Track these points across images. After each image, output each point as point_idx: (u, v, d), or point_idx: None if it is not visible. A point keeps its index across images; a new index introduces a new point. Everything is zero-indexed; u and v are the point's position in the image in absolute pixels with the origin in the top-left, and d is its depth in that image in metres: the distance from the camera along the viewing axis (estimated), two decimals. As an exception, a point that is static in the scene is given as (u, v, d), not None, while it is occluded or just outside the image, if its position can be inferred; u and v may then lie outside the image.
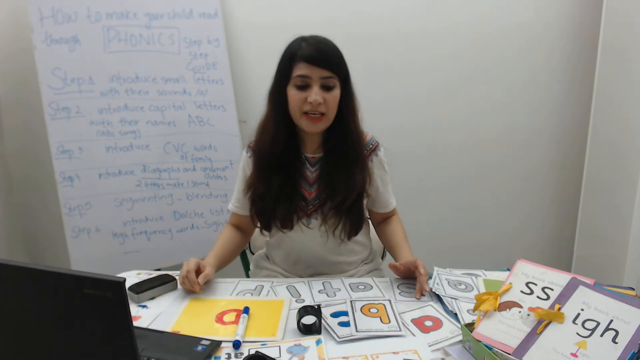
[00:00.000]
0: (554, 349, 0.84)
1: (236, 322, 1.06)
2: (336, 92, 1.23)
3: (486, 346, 0.90)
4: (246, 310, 1.09)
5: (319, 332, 1.02)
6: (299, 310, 1.05)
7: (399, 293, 1.21)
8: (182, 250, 2.11)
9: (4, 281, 0.75)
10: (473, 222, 2.51)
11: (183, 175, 2.10)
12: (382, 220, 1.47)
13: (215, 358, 0.95)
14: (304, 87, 1.21)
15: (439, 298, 1.17)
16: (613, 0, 2.00)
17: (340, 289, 1.23)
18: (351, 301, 1.14)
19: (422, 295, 1.18)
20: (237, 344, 0.97)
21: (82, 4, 1.90)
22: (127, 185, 2.02)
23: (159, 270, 1.41)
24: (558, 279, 0.96)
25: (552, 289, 0.95)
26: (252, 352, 0.94)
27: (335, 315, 1.09)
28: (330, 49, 1.23)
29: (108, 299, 0.69)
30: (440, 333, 1.02)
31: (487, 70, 2.32)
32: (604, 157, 2.10)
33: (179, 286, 1.24)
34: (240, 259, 1.62)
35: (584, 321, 0.86)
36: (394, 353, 0.95)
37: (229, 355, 0.95)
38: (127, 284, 0.76)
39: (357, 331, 1.02)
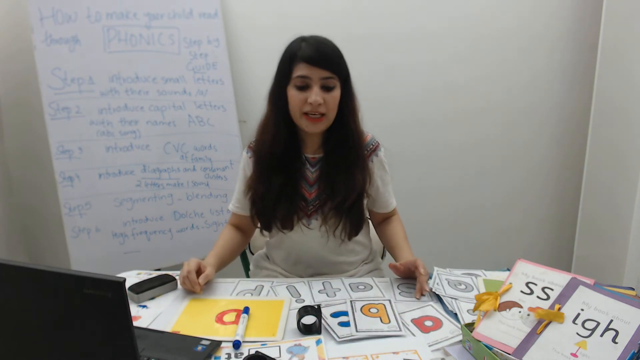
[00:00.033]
0: (554, 349, 0.84)
1: (236, 322, 1.06)
2: (336, 93, 1.23)
3: (486, 346, 0.90)
4: (246, 310, 1.09)
5: (319, 332, 1.02)
6: (299, 310, 1.05)
7: (399, 293, 1.21)
8: (182, 250, 2.11)
9: (4, 281, 0.75)
10: (473, 222, 2.51)
11: (183, 175, 2.10)
12: (383, 221, 1.47)
13: (215, 358, 0.95)
14: (304, 87, 1.21)
15: (439, 298, 1.17)
16: (613, 0, 2.00)
17: (340, 289, 1.23)
18: (351, 301, 1.14)
19: (422, 295, 1.18)
20: (237, 344, 0.97)
21: (82, 4, 1.90)
22: (127, 185, 2.02)
23: (159, 270, 1.41)
24: (558, 279, 0.96)
25: (552, 289, 0.95)
26: (252, 352, 0.94)
27: (335, 315, 1.09)
28: (330, 49, 1.23)
29: (108, 299, 0.69)
30: (440, 333, 1.02)
31: (487, 70, 2.32)
32: (604, 157, 2.10)
33: (179, 286, 1.24)
34: (240, 259, 1.62)
35: (584, 321, 0.86)
36: (394, 353, 0.95)
37: (229, 355, 0.95)
38: (127, 284, 0.76)
39: (357, 331, 1.02)
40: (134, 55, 1.99)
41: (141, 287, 1.20)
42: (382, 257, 1.61)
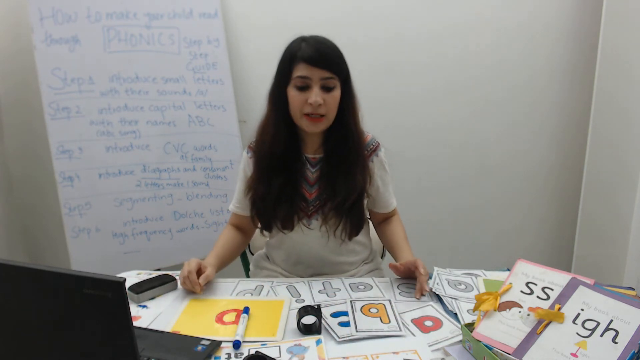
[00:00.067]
0: (554, 349, 0.84)
1: (236, 322, 1.06)
2: (336, 93, 1.23)
3: (486, 346, 0.90)
4: (246, 310, 1.09)
5: (319, 332, 1.02)
6: (299, 310, 1.05)
7: (399, 293, 1.21)
8: (182, 250, 2.11)
9: (4, 281, 0.75)
10: (473, 222, 2.51)
11: (183, 175, 2.10)
12: (383, 221, 1.47)
13: (215, 358, 0.95)
14: (304, 88, 1.20)
15: (439, 298, 1.17)
16: (613, 0, 2.00)
17: (340, 289, 1.23)
18: (351, 301, 1.14)
19: (422, 295, 1.18)
20: (237, 344, 0.97)
21: (82, 4, 1.90)
22: (127, 185, 2.02)
23: (159, 270, 1.41)
24: (558, 279, 0.96)
25: (552, 289, 0.95)
26: (252, 352, 0.94)
27: (335, 315, 1.09)
28: (331, 49, 1.23)
29: (108, 299, 0.69)
30: (440, 333, 1.02)
31: (487, 70, 2.32)
32: (604, 157, 2.10)
33: (179, 286, 1.24)
34: (240, 259, 1.62)
35: (584, 321, 0.86)
36: (394, 353, 0.95)
37: (229, 355, 0.95)
38: (127, 284, 0.76)
39: (357, 331, 1.02)
40: (134, 55, 1.99)
41: (141, 287, 1.20)
42: (382, 256, 1.61)
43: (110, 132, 1.98)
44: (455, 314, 1.09)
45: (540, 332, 0.87)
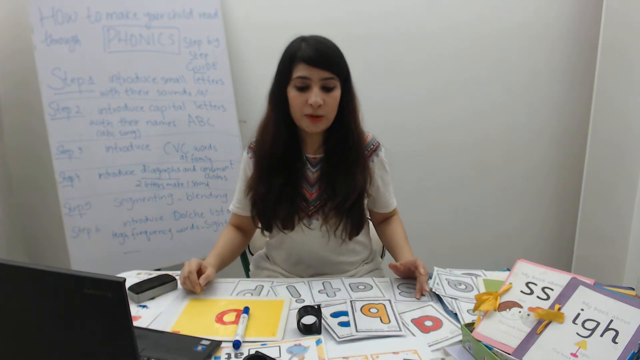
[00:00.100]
0: (554, 349, 0.84)
1: (236, 322, 1.06)
2: (336, 93, 1.23)
3: (486, 346, 0.90)
4: (246, 310, 1.09)
5: (319, 332, 1.02)
6: (299, 310, 1.05)
7: (399, 293, 1.21)
8: (182, 250, 2.11)
9: (4, 281, 0.75)
10: (473, 222, 2.51)
11: (183, 175, 2.10)
12: (383, 221, 1.47)
13: (215, 358, 0.95)
14: (304, 88, 1.20)
15: (439, 298, 1.17)
16: (613, 0, 2.00)
17: (340, 289, 1.23)
18: (351, 301, 1.14)
19: (422, 295, 1.18)
20: (237, 344, 0.97)
21: (82, 4, 1.90)
22: (127, 185, 2.02)
23: (159, 270, 1.41)
24: (558, 279, 0.96)
25: (552, 289, 0.95)
26: (252, 352, 0.94)
27: (335, 315, 1.09)
28: (330, 49, 1.23)
29: (108, 299, 0.69)
30: (440, 333, 1.02)
31: (487, 70, 2.32)
32: (604, 157, 2.10)
33: (179, 286, 1.24)
34: (240, 259, 1.62)
35: (584, 321, 0.86)
36: (394, 353, 0.95)
37: (229, 355, 0.95)
38: (127, 284, 0.76)
39: (357, 331, 1.02)
40: (134, 55, 1.99)
41: (141, 287, 1.19)
42: (382, 256, 1.61)
43: (110, 132, 1.98)
44: (455, 314, 1.09)
45: (540, 332, 0.87)
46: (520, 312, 0.94)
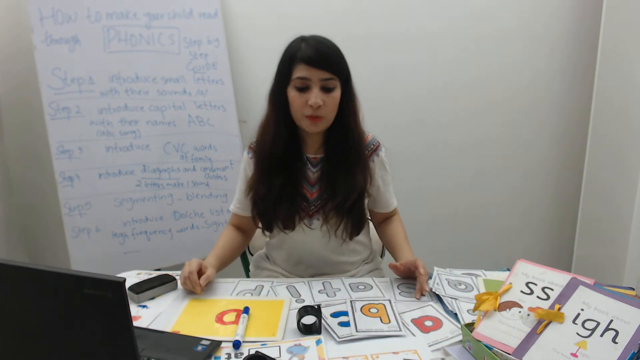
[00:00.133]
0: (554, 349, 0.84)
1: (236, 322, 1.06)
2: (336, 94, 1.22)
3: (486, 346, 0.90)
4: (246, 310, 1.09)
5: (319, 332, 1.02)
6: (299, 310, 1.05)
7: (399, 293, 1.21)
8: (182, 250, 2.11)
9: (4, 281, 0.75)
10: (473, 222, 2.51)
11: (183, 175, 2.10)
12: (383, 220, 1.47)
13: (215, 358, 0.95)
14: (304, 88, 1.20)
15: (439, 298, 1.17)
16: (613, 0, 2.00)
17: (340, 289, 1.23)
18: (351, 301, 1.14)
19: (422, 295, 1.18)
20: (237, 344, 0.97)
21: (82, 4, 1.90)
22: (127, 185, 2.02)
23: (159, 270, 1.41)
24: (558, 279, 0.96)
25: (552, 289, 0.95)
26: (252, 352, 0.94)
27: (335, 315, 1.09)
28: (330, 49, 1.22)
29: (108, 299, 0.69)
30: (440, 333, 1.02)
31: (487, 70, 2.32)
32: (604, 157, 2.10)
33: (179, 286, 1.24)
34: (240, 260, 1.62)
35: (584, 321, 0.86)
36: (394, 353, 0.95)
37: (229, 355, 0.95)
38: (127, 284, 0.76)
39: (357, 331, 1.02)
40: (134, 55, 1.99)
41: (141, 287, 1.19)
42: (382, 256, 1.61)
43: (110, 132, 1.98)
44: (455, 314, 1.09)
45: (540, 332, 0.87)
46: (520, 312, 0.94)
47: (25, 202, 2.37)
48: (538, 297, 0.95)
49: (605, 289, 0.90)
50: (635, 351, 0.79)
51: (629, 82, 1.93)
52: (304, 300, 1.18)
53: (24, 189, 2.36)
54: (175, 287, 1.24)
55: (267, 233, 1.39)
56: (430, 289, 1.19)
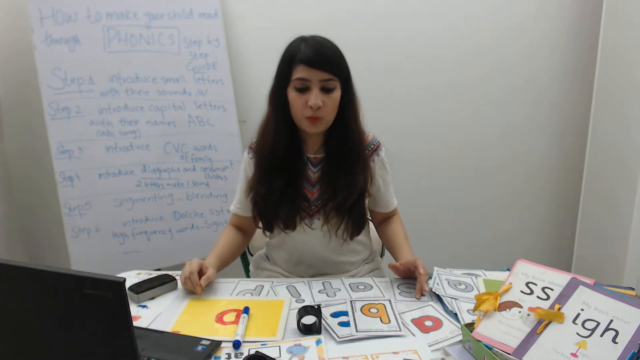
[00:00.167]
0: (554, 349, 0.84)
1: (236, 322, 1.06)
2: (336, 94, 1.22)
3: (486, 346, 0.90)
4: (246, 310, 1.09)
5: (319, 332, 1.02)
6: (299, 310, 1.05)
7: (399, 293, 1.21)
8: (182, 250, 2.11)
9: (4, 281, 0.75)
10: (473, 222, 2.51)
11: (183, 175, 2.10)
12: (383, 220, 1.47)
13: (215, 358, 0.95)
14: (303, 89, 1.20)
15: (439, 298, 1.17)
16: (613, 0, 2.00)
17: (340, 289, 1.23)
18: (351, 301, 1.14)
19: (422, 295, 1.18)
20: (237, 344, 0.97)
21: (82, 4, 1.90)
22: (127, 185, 2.02)
23: (159, 270, 1.41)
24: (558, 279, 0.96)
25: (552, 289, 0.95)
26: (252, 352, 0.94)
27: (335, 315, 1.09)
28: (330, 50, 1.22)
29: (108, 299, 0.69)
30: (440, 333, 1.02)
31: (487, 70, 2.33)
32: (604, 157, 2.10)
33: (179, 286, 1.24)
34: (240, 260, 1.62)
35: (584, 321, 0.86)
36: (394, 353, 0.95)
37: (229, 355, 0.95)
38: (127, 284, 0.76)
39: (357, 331, 1.02)
40: (134, 55, 1.99)
41: (141, 287, 1.19)
42: (381, 255, 1.61)
43: (110, 132, 1.98)
44: (455, 314, 1.09)
45: (540, 332, 0.87)
46: (520, 312, 0.94)
47: (25, 202, 2.37)
48: (538, 297, 0.95)
49: (605, 289, 0.90)
50: (635, 351, 0.79)
51: (629, 82, 1.93)
52: (304, 300, 1.18)
53: (24, 189, 2.36)
54: (175, 287, 1.24)
55: (267, 233, 1.39)
56: (430, 289, 1.19)
